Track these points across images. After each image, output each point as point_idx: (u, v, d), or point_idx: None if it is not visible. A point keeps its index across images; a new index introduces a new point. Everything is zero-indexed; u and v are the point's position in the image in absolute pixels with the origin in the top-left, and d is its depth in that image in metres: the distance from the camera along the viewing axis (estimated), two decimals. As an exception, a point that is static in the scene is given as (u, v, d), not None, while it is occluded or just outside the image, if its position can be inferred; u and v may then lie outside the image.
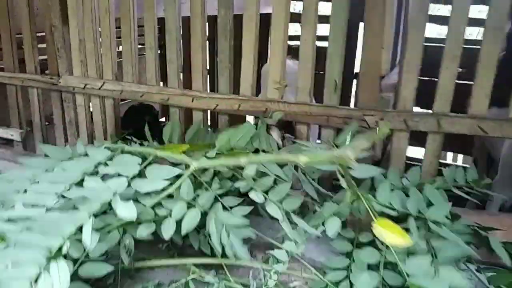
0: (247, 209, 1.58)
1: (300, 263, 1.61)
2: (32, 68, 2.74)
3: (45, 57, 2.69)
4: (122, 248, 1.52)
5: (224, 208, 1.57)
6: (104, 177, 1.54)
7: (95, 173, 1.59)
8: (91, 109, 2.63)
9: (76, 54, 2.54)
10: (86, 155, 1.68)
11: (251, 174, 1.53)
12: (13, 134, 2.91)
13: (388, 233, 1.22)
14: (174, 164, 1.62)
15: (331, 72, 1.98)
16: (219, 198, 1.60)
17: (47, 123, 2.96)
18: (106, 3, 2.37)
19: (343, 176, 1.48)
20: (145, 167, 1.54)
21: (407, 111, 1.88)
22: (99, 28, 2.48)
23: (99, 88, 2.48)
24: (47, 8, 2.55)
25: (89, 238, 1.21)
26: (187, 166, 1.50)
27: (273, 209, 1.55)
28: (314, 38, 1.99)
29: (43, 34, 2.65)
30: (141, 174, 1.51)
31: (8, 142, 3.10)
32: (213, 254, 1.62)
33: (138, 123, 2.46)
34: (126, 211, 1.34)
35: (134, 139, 2.36)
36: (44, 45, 2.67)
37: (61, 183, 1.53)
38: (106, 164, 1.59)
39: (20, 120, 2.93)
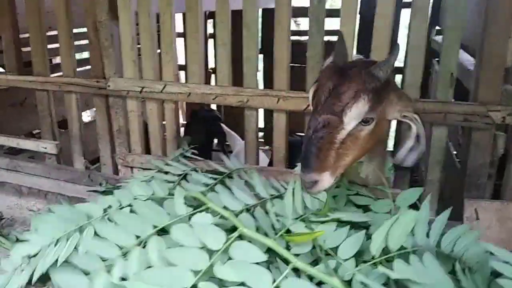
0: None
1: None
2: (70, 71, 2.40)
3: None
4: None
5: None
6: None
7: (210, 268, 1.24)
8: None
9: (127, 53, 2.23)
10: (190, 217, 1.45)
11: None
12: (47, 147, 2.55)
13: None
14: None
15: (446, 65, 1.80)
16: None
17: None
18: (168, -5, 2.08)
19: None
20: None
21: (538, 104, 1.74)
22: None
23: (161, 91, 2.19)
24: (90, 2, 2.22)
25: None
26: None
27: None
28: (426, 28, 1.80)
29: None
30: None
31: (36, 154, 2.75)
32: None
33: (201, 132, 2.19)
34: None
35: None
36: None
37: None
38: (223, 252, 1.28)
39: (53, 130, 2.58)
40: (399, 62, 2.06)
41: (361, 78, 1.39)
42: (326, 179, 1.40)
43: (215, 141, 2.52)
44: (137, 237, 1.43)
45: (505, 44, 1.72)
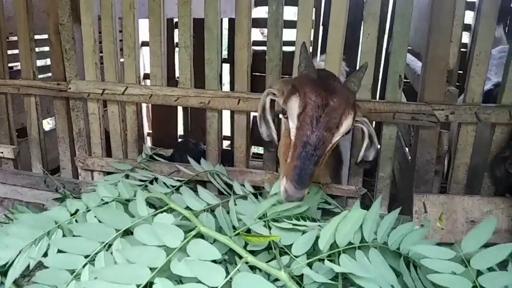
0: None
1: None
2: (30, 73, 2.38)
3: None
4: None
5: None
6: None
7: (168, 264, 1.30)
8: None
9: (89, 55, 2.25)
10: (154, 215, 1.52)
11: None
12: (3, 151, 2.50)
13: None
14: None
15: (395, 67, 1.93)
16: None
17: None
18: (131, -2, 2.13)
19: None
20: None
21: (477, 104, 1.89)
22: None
23: (122, 93, 2.21)
24: (52, 5, 2.24)
25: None
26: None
27: None
28: (376, 33, 1.93)
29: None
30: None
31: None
32: None
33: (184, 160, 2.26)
34: None
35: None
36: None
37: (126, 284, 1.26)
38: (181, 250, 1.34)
39: (11, 134, 2.54)
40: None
41: (345, 94, 1.48)
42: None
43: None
44: (102, 242, 1.48)
45: (447, 49, 1.87)
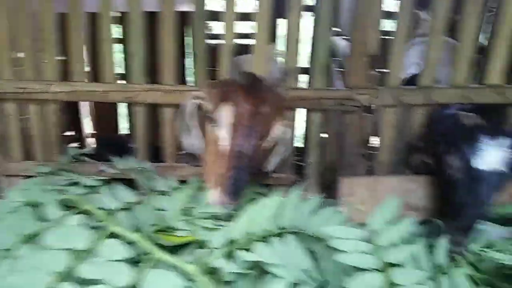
0: None
1: None
2: None
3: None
4: None
5: None
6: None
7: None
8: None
9: (5, 52, 2.12)
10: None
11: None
12: None
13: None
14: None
15: (317, 54, 1.97)
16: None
17: None
18: (47, -11, 2.03)
19: None
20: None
21: (397, 87, 1.96)
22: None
23: (44, 91, 2.10)
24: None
25: None
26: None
27: None
28: (299, 22, 1.96)
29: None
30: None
31: None
32: None
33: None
34: None
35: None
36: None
37: None
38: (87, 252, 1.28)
39: None
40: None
41: (275, 100, 1.50)
42: None
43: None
44: (4, 250, 1.36)
45: (367, 34, 1.93)
